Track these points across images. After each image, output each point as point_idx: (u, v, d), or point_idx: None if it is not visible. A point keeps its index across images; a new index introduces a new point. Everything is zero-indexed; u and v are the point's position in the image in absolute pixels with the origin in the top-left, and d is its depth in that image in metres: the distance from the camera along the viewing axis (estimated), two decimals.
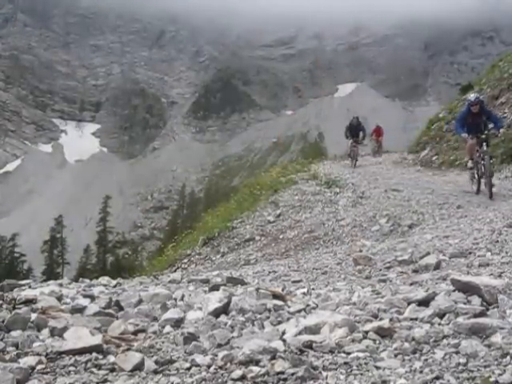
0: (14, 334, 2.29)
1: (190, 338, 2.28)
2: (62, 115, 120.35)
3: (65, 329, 2.32)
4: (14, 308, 2.72)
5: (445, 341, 2.11)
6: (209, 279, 3.92)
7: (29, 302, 2.80)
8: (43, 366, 1.97)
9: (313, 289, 3.50)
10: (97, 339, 2.16)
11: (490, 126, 10.76)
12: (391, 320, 2.40)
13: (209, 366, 1.97)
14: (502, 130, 11.69)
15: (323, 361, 1.98)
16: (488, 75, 21.24)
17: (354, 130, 19.93)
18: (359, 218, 8.86)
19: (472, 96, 11.19)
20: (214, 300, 2.77)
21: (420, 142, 19.70)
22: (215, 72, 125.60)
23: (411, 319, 2.42)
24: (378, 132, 28.57)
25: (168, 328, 2.49)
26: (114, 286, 3.80)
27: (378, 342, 2.17)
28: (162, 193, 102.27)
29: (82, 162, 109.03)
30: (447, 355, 1.96)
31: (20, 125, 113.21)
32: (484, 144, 10.36)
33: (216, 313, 2.67)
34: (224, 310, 2.72)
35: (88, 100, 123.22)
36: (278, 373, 1.87)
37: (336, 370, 1.91)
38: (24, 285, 3.55)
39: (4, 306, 2.74)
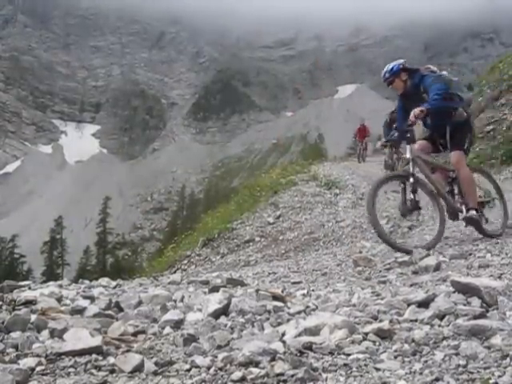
0: (13, 335, 2.29)
1: (190, 339, 2.28)
2: (62, 116, 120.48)
3: (64, 330, 2.32)
4: (13, 309, 2.72)
5: (444, 342, 2.11)
6: (209, 280, 3.92)
7: (28, 303, 2.80)
8: (43, 368, 1.97)
9: (313, 290, 3.50)
10: (96, 340, 2.15)
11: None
12: (391, 321, 2.40)
13: (208, 368, 1.97)
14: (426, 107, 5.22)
15: (323, 362, 1.98)
16: (488, 76, 21.26)
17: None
18: (359, 220, 8.85)
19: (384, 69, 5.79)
20: (214, 301, 2.77)
21: None
22: (215, 73, 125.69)
23: (411, 321, 2.42)
24: (363, 132, 23.27)
25: (168, 329, 2.49)
26: (114, 288, 3.79)
27: (377, 343, 2.17)
28: (162, 194, 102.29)
29: (82, 163, 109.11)
30: (447, 357, 1.96)
31: (20, 126, 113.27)
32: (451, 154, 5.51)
33: (216, 314, 2.67)
34: (224, 311, 2.72)
35: (88, 101, 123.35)
36: (278, 374, 1.87)
37: (336, 371, 1.91)
38: (24, 286, 3.55)
39: (4, 307, 2.74)
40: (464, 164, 5.50)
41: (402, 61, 5.77)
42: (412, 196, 5.19)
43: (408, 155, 5.29)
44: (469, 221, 5.48)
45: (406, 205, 5.21)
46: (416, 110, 5.23)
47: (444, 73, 5.72)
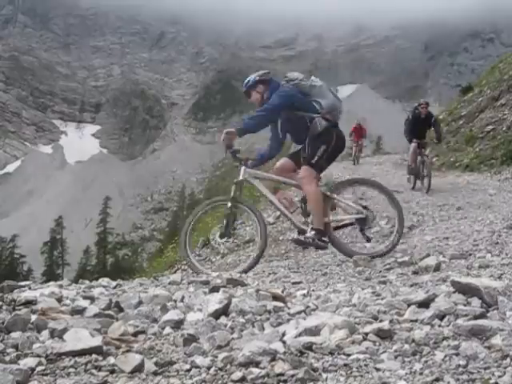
0: (13, 335, 2.29)
1: (190, 339, 2.27)
2: (62, 116, 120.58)
3: (65, 330, 2.32)
4: (13, 309, 2.71)
5: (445, 342, 2.10)
6: (209, 280, 3.91)
7: (29, 303, 2.79)
8: (43, 368, 1.97)
9: (313, 290, 3.50)
10: (97, 340, 2.15)
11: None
12: (391, 322, 2.40)
13: (209, 368, 1.97)
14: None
15: (323, 362, 1.98)
16: (488, 77, 21.27)
17: (421, 126, 12.26)
18: None
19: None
20: (214, 301, 2.76)
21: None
22: (215, 73, 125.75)
23: (411, 321, 2.41)
24: (359, 132, 22.30)
25: (168, 329, 2.48)
26: (114, 288, 3.78)
27: (377, 343, 2.17)
28: (162, 194, 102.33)
29: (82, 163, 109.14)
30: (447, 357, 1.95)
31: (20, 126, 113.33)
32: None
33: (216, 314, 2.67)
34: (224, 311, 2.71)
35: (88, 101, 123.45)
36: (278, 374, 1.87)
37: (336, 371, 1.91)
38: (24, 286, 3.55)
39: (4, 307, 2.74)
40: (309, 180, 4.98)
41: (261, 72, 5.32)
42: (225, 221, 4.95)
43: (240, 177, 5.03)
44: (297, 242, 5.12)
45: (224, 228, 4.97)
46: (223, 133, 4.99)
47: (312, 78, 5.29)
